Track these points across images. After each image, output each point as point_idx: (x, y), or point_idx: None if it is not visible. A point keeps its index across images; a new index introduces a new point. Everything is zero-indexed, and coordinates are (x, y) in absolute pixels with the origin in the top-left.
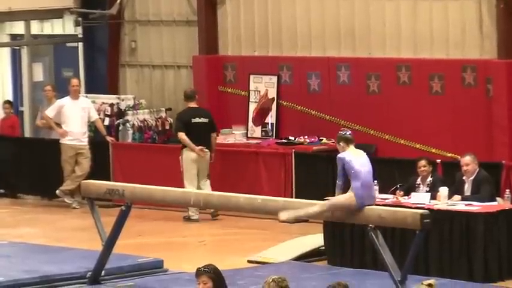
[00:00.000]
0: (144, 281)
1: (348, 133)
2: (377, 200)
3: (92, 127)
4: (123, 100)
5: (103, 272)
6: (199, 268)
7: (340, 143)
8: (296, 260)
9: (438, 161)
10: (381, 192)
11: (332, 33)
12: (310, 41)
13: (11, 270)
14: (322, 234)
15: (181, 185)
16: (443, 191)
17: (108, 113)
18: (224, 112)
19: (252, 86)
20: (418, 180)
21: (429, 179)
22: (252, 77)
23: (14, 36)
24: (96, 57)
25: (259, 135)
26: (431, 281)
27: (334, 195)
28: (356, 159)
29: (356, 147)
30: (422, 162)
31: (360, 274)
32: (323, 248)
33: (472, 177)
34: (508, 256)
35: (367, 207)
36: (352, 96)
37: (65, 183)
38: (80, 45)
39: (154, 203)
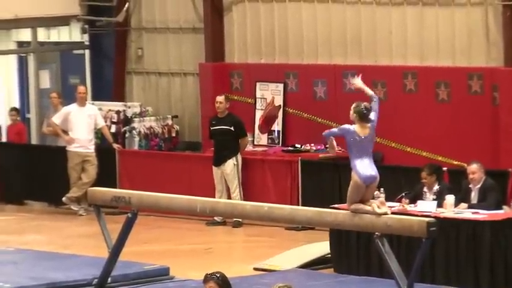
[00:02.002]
0: None
1: (367, 113)
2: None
3: (99, 134)
4: (129, 107)
5: (109, 279)
6: (208, 274)
7: (355, 114)
8: (302, 267)
9: (444, 168)
10: (387, 200)
11: (338, 41)
12: (317, 48)
13: (17, 277)
14: (329, 242)
15: (188, 192)
16: (450, 199)
17: (115, 120)
18: None
19: (258, 94)
20: (425, 188)
21: (436, 187)
22: (258, 84)
23: (20, 44)
24: (103, 65)
25: (266, 143)
26: None
27: (340, 201)
28: (358, 135)
29: None
30: (423, 174)
31: (366, 282)
32: (329, 255)
33: (478, 185)
34: None
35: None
36: None
37: (72, 190)
38: (87, 52)
39: (160, 211)
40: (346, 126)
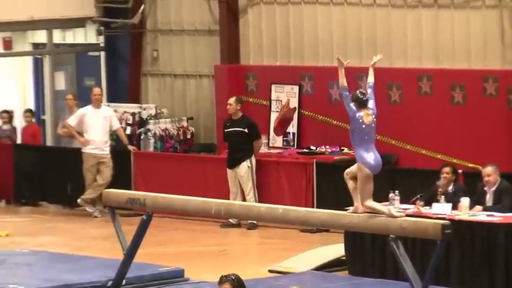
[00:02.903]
0: None
1: (364, 98)
2: (398, 210)
3: (114, 136)
4: (144, 109)
5: (124, 281)
6: (223, 276)
7: (354, 103)
8: (317, 269)
9: (460, 171)
10: (402, 202)
11: (354, 43)
12: (332, 50)
13: (31, 278)
14: (343, 244)
15: (203, 194)
16: (465, 201)
17: (130, 122)
18: None
19: (273, 96)
20: (440, 189)
21: (451, 187)
22: (273, 86)
23: (36, 45)
24: (118, 66)
25: (281, 145)
26: None
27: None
28: (364, 122)
29: None
30: (447, 169)
31: (381, 284)
32: (344, 258)
33: (493, 188)
34: None
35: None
36: None
37: (87, 192)
38: (102, 54)
39: (175, 212)
40: (355, 110)
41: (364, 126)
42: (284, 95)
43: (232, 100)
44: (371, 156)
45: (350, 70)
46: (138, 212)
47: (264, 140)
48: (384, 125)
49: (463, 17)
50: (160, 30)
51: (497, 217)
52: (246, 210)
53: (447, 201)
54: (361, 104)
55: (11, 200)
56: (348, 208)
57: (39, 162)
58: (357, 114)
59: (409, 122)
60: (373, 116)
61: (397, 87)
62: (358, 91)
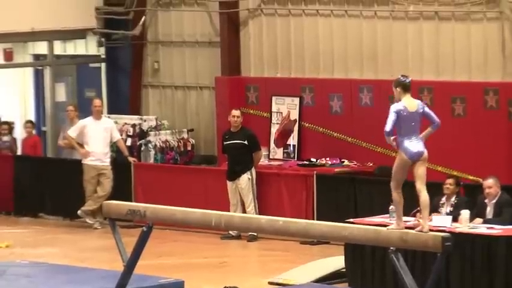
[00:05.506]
0: None
1: (407, 80)
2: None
3: (114, 147)
4: (145, 121)
5: None
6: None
7: (397, 88)
8: (317, 282)
9: (461, 183)
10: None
11: (354, 56)
12: (333, 63)
13: None
14: (344, 257)
15: (204, 206)
16: (465, 213)
17: (131, 134)
18: None
19: (274, 108)
20: (443, 199)
21: (453, 198)
22: (274, 98)
23: (37, 57)
24: (119, 78)
25: (281, 157)
26: None
27: (355, 216)
28: (408, 110)
29: (379, 169)
30: (450, 181)
31: None
32: (344, 270)
33: (494, 200)
34: None
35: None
36: (374, 118)
37: (87, 203)
38: (103, 65)
39: (175, 224)
40: (394, 104)
41: (406, 114)
42: (285, 107)
43: (238, 112)
44: (412, 145)
45: (351, 82)
46: (138, 223)
47: (264, 152)
48: (384, 137)
49: (463, 29)
50: (161, 41)
51: (497, 229)
52: (246, 222)
53: (450, 213)
54: (405, 87)
55: (11, 211)
56: (348, 220)
57: (39, 174)
58: (401, 103)
59: None
60: (420, 106)
61: None
62: (400, 76)
